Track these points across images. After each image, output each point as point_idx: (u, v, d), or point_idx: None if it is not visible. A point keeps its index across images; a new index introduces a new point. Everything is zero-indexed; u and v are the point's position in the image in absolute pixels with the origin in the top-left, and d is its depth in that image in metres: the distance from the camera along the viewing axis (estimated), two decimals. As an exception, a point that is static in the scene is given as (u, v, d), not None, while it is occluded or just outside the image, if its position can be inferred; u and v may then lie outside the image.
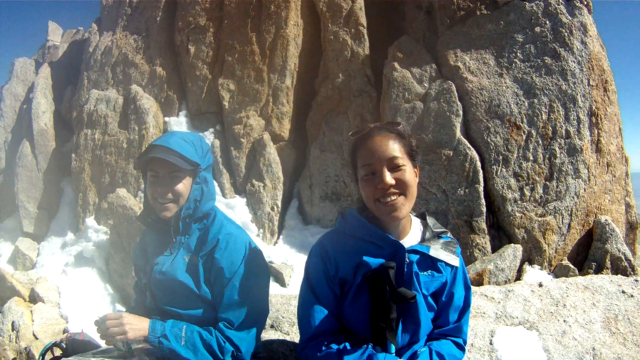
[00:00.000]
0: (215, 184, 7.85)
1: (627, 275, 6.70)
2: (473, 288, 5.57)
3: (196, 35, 8.89)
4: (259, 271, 2.40)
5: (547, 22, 7.30)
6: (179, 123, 8.66)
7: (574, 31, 7.32)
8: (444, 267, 2.16)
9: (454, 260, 2.19)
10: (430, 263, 2.12)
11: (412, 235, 2.16)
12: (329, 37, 7.95)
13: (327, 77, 7.85)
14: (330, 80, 7.78)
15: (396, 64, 7.16)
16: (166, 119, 8.81)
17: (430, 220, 2.26)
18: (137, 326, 2.16)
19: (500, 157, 6.65)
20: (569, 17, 7.41)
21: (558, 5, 7.44)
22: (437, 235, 2.22)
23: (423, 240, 2.17)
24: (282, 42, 8.14)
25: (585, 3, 7.77)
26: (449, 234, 2.27)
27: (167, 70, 9.23)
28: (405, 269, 2.02)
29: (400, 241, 2.07)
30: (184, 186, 2.36)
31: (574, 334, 4.91)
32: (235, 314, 2.24)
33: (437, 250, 2.14)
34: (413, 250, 2.07)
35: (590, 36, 7.49)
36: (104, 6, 11.09)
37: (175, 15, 9.47)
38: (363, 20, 7.96)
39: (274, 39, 8.20)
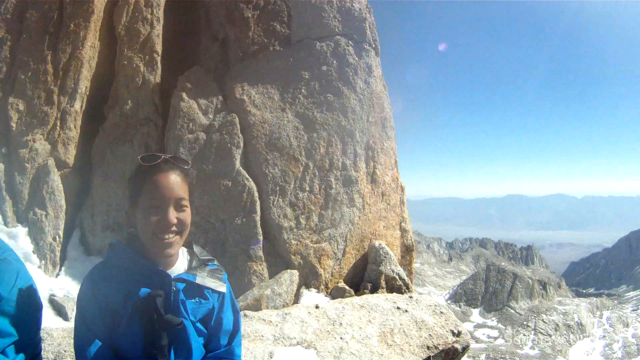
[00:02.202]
0: (-3, 211, 7.67)
1: (402, 293, 7.54)
2: (251, 313, 6.04)
3: (-9, 48, 8.63)
4: (28, 301, 2.41)
5: (335, 61, 8.18)
6: (-39, 144, 8.34)
7: (359, 71, 8.23)
8: (210, 293, 2.32)
9: (221, 287, 2.36)
10: (197, 290, 2.28)
11: (179, 264, 2.31)
12: (123, 62, 8.22)
13: (116, 103, 8.09)
14: (119, 106, 8.03)
15: (184, 94, 7.61)
16: (-52, 139, 8.43)
17: (197, 249, 2.44)
18: None
19: (278, 187, 7.29)
20: (356, 58, 8.29)
21: (347, 46, 8.31)
22: (204, 263, 2.39)
23: (190, 268, 2.33)
24: (76, 63, 8.21)
25: (374, 46, 8.66)
26: (215, 262, 2.45)
27: (-45, 84, 8.86)
28: (172, 297, 2.17)
29: (168, 270, 2.22)
30: None
31: (351, 349, 5.55)
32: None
33: (203, 278, 2.30)
34: (180, 279, 2.22)
35: (375, 77, 8.38)
36: None
37: (-31, 25, 9.11)
38: (158, 47, 8.27)
39: (69, 59, 8.24)
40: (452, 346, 6.16)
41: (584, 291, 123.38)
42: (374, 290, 7.54)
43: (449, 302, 65.25)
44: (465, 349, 6.47)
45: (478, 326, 58.54)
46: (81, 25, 8.21)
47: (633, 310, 72.05)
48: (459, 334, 6.40)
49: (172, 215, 2.10)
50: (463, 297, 66.55)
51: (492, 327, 58.50)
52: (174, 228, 2.11)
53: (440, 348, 6.05)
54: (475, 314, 63.75)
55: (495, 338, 54.73)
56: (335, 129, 7.76)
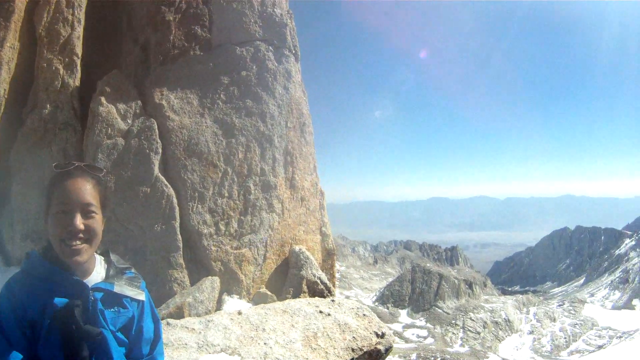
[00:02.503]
0: None
1: (325, 297, 7.76)
2: (174, 321, 6.15)
3: None
4: None
5: (254, 67, 8.36)
6: None
7: (279, 77, 8.41)
8: (129, 302, 2.34)
9: (140, 295, 2.38)
10: (116, 299, 2.29)
11: (96, 273, 2.31)
12: (42, 65, 8.12)
13: (35, 107, 7.99)
14: (38, 110, 7.93)
15: (103, 99, 7.62)
16: None
17: (113, 257, 2.45)
18: None
19: (197, 194, 7.43)
20: (276, 63, 8.48)
21: (267, 52, 8.48)
22: (122, 272, 2.40)
23: (107, 277, 2.33)
24: (-5, 65, 7.98)
25: (294, 52, 8.87)
26: (132, 270, 2.46)
27: None
28: (90, 307, 2.17)
29: (85, 280, 2.23)
30: None
31: (275, 355, 5.71)
32: None
33: (121, 287, 2.31)
34: (97, 288, 2.23)
35: (294, 82, 8.60)
36: None
37: None
38: (79, 50, 8.22)
39: (-12, 61, 8.00)
40: (375, 347, 6.39)
41: (510, 289, 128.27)
42: (296, 295, 7.72)
43: (376, 304, 66.34)
44: (388, 350, 6.72)
45: (407, 326, 59.78)
46: (1, 25, 8.00)
47: (559, 305, 75.18)
48: (382, 336, 6.64)
49: (79, 221, 2.11)
50: (390, 298, 67.84)
51: (420, 327, 59.82)
52: (81, 235, 2.12)
53: (365, 350, 6.27)
54: (404, 315, 65.02)
55: (425, 337, 56.02)
56: (254, 134, 7.98)
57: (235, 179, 7.70)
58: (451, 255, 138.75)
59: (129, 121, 7.60)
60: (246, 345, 5.73)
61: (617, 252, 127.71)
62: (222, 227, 7.51)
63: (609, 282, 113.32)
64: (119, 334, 2.28)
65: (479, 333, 58.86)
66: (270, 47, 8.55)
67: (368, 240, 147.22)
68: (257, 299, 7.53)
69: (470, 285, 72.23)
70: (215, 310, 7.09)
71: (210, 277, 7.32)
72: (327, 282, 8.13)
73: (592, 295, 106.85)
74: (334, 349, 6.01)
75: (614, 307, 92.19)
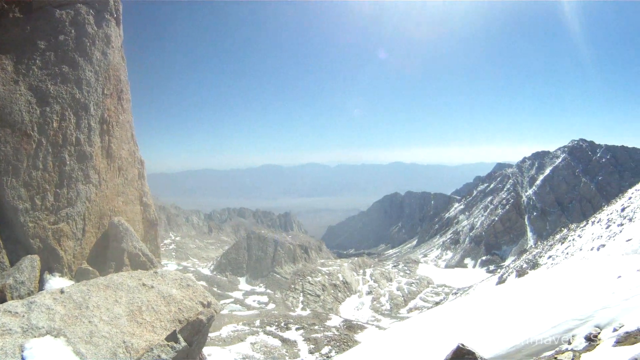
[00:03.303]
0: None
1: (147, 269, 7.93)
2: None
3: None
4: None
5: (73, 31, 8.25)
6: None
7: (97, 42, 8.41)
8: None
9: None
10: None
11: None
12: None
13: None
14: None
15: None
16: None
17: None
18: None
19: (10, 167, 7.27)
20: (95, 27, 8.48)
21: (87, 15, 8.42)
22: None
23: None
24: None
25: (115, 16, 8.82)
26: None
27: None
28: None
29: None
30: None
31: (101, 332, 5.85)
32: None
33: None
34: None
35: (113, 47, 8.65)
36: None
37: None
38: None
39: None
40: (198, 318, 6.73)
41: (345, 252, 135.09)
42: (118, 268, 7.92)
43: (214, 272, 67.36)
44: (210, 319, 7.12)
45: (247, 293, 61.23)
46: None
47: (394, 266, 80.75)
48: (209, 305, 7.01)
49: None
50: (228, 266, 68.94)
51: (261, 294, 61.56)
52: None
53: (192, 320, 6.59)
54: (243, 282, 66.56)
55: (266, 303, 57.80)
56: (69, 102, 7.99)
57: (50, 150, 7.68)
58: (285, 222, 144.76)
59: (-60, 92, 7.37)
60: (71, 325, 5.90)
61: (447, 215, 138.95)
62: (38, 202, 7.46)
63: (441, 243, 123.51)
64: None
65: (319, 296, 61.52)
66: (92, 11, 8.48)
67: (201, 208, 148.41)
68: (79, 276, 7.62)
69: (305, 250, 75.12)
70: (38, 290, 7.13)
71: (29, 255, 7.30)
72: (150, 253, 8.35)
73: (426, 255, 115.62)
74: (161, 321, 6.32)
75: (447, 266, 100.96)
